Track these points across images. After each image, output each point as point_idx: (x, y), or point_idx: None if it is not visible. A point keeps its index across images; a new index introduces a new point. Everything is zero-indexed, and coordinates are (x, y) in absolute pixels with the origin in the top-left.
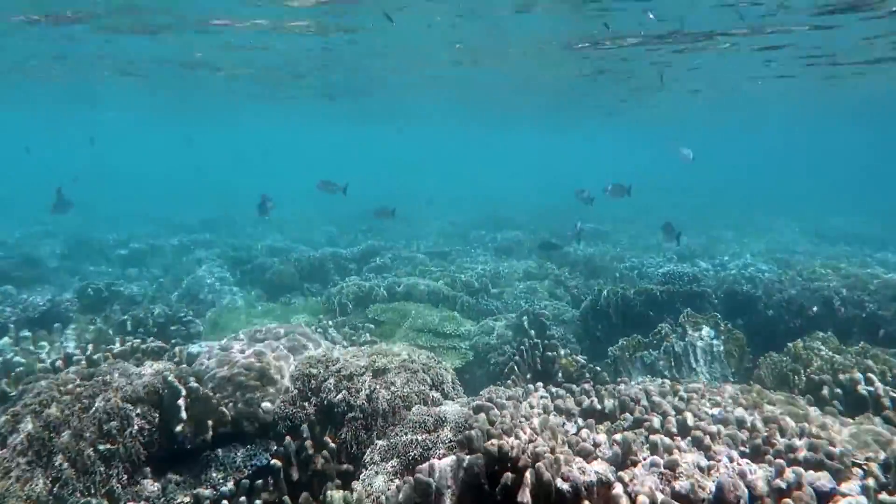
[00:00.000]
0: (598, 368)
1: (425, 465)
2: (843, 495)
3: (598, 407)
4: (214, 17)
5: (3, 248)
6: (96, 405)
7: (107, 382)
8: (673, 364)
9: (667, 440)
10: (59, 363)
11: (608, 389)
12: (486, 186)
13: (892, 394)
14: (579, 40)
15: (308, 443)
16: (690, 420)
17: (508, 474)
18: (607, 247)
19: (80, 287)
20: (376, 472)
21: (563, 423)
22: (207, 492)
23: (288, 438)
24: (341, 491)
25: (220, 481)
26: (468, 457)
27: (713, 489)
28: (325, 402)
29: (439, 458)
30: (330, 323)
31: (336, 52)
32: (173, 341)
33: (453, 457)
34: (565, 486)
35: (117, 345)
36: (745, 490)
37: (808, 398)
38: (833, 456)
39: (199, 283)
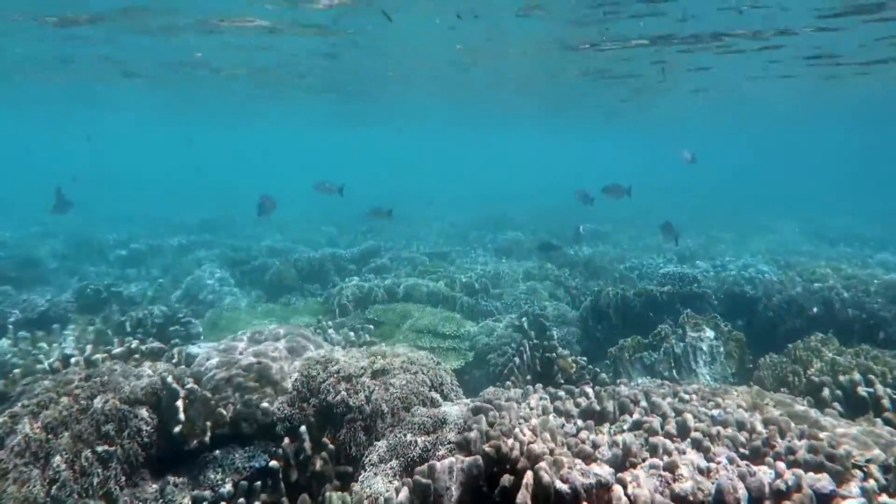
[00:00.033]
0: (598, 369)
1: (424, 467)
2: (843, 497)
3: (598, 408)
4: (216, 17)
5: (2, 248)
6: (94, 406)
7: (105, 383)
8: (673, 365)
9: (666, 442)
10: (57, 364)
11: (608, 391)
12: (486, 187)
13: (892, 395)
14: (580, 42)
15: (307, 444)
16: (690, 421)
17: (507, 476)
18: (607, 247)
19: (80, 287)
20: (375, 474)
21: (563, 425)
22: (206, 493)
23: (287, 440)
24: (340, 492)
25: (219, 483)
26: (467, 458)
27: (713, 491)
28: (324, 403)
29: (438, 460)
30: (330, 324)
31: (337, 52)
32: (172, 342)
33: (452, 458)
34: (564, 488)
35: (116, 346)
36: (745, 492)
37: (809, 400)
38: (833, 458)
39: (199, 283)
